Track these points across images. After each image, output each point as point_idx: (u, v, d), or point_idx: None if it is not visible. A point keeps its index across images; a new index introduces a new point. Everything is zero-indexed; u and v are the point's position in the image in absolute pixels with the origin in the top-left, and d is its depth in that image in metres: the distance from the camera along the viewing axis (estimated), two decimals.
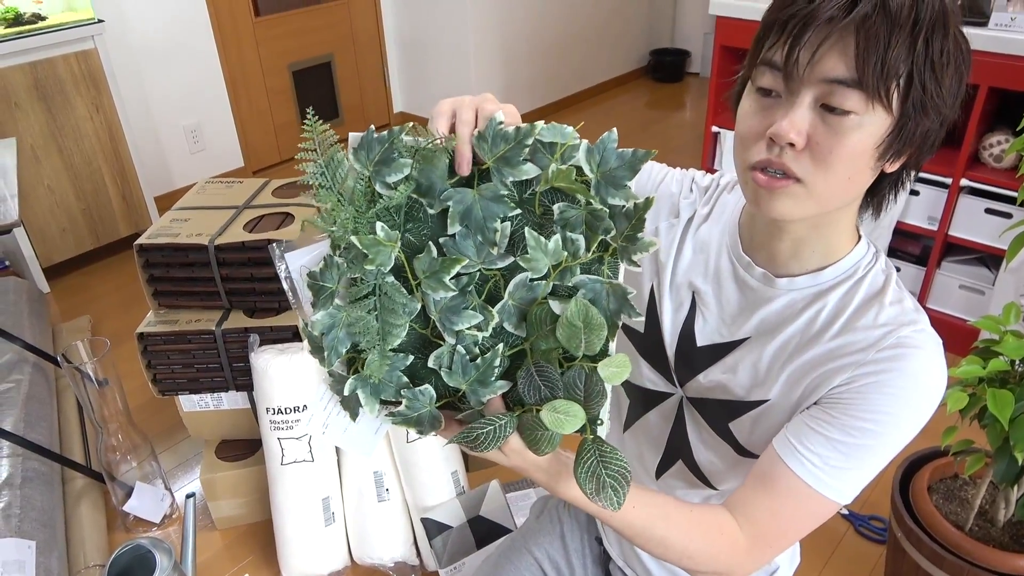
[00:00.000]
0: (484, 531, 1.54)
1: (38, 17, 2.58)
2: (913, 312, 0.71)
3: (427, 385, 0.64)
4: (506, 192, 0.62)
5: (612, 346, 0.63)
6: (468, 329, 0.62)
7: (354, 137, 0.64)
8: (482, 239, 0.62)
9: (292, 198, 1.71)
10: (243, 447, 1.72)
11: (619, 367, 0.60)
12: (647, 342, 0.87)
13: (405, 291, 0.63)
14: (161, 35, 3.06)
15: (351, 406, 0.66)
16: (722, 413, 0.81)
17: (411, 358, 0.65)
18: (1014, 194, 1.92)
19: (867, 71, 0.59)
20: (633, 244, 0.62)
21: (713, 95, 2.48)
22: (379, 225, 0.62)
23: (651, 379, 0.88)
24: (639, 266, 0.63)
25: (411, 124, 0.65)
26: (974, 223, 2.10)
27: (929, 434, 0.73)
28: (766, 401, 0.77)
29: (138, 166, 2.85)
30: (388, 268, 0.62)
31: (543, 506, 1.14)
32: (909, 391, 0.68)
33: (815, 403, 0.72)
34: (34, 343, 2.02)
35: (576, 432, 0.60)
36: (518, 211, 0.63)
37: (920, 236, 2.26)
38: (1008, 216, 2.03)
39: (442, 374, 0.63)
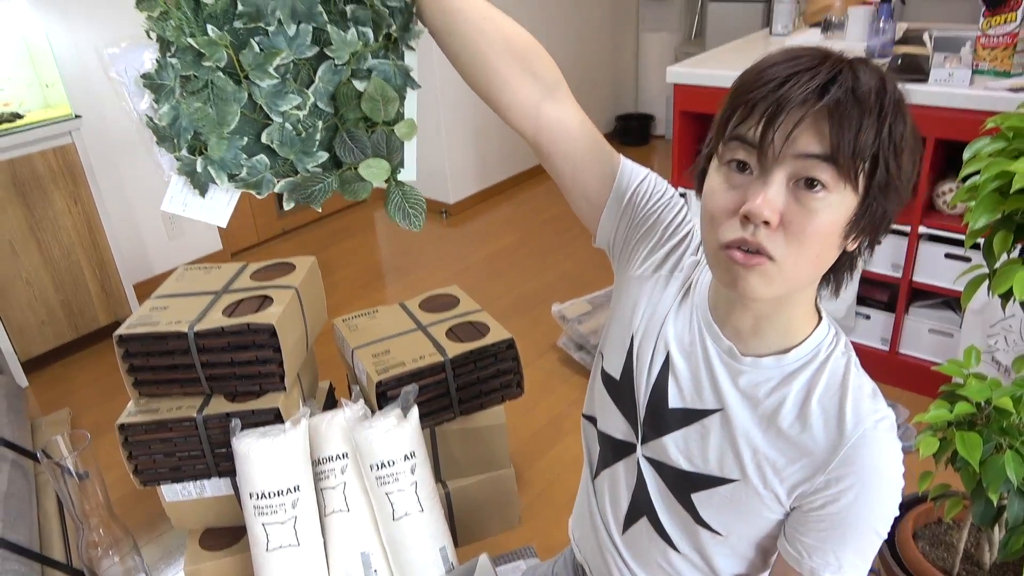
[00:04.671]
0: None
1: (15, 116, 2.64)
2: (870, 399, 0.74)
3: (261, 155, 0.80)
4: None
5: (407, 110, 0.82)
6: (291, 109, 0.77)
7: None
8: (315, 25, 0.75)
9: (270, 280, 1.73)
10: (228, 535, 1.70)
11: (408, 128, 0.82)
12: (621, 389, 0.89)
13: (233, 83, 0.76)
14: (138, 124, 3.12)
15: (201, 184, 0.81)
16: (685, 482, 0.83)
17: (246, 139, 0.79)
18: None
19: (841, 148, 0.63)
20: (408, 32, 0.80)
21: (676, 158, 2.58)
22: (209, 27, 0.74)
23: (620, 428, 0.90)
24: (414, 49, 0.80)
25: None
26: (936, 268, 2.17)
27: (908, 479, 0.77)
28: (734, 481, 0.78)
29: (116, 255, 2.88)
30: (222, 64, 0.75)
31: None
32: (885, 493, 0.73)
33: (813, 517, 0.76)
34: (12, 439, 2.00)
35: (384, 182, 0.83)
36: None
37: (887, 283, 2.32)
38: (967, 260, 2.10)
39: (275, 147, 0.79)
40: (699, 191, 0.75)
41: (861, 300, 2.37)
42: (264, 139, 0.79)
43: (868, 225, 0.68)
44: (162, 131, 0.79)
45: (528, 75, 0.82)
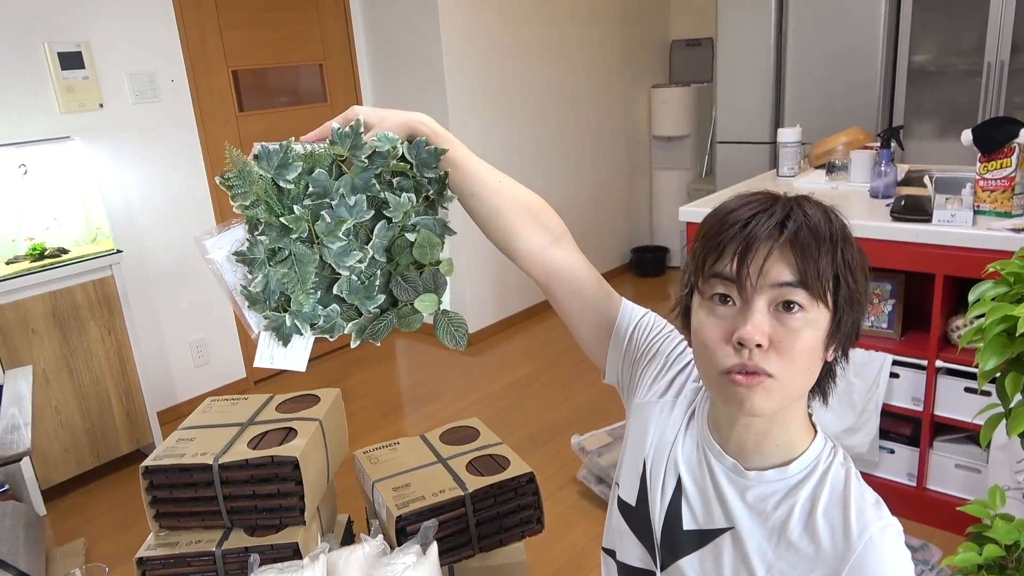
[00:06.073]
0: None
1: (62, 251, 2.79)
2: (873, 507, 0.77)
3: (333, 304, 0.96)
4: (366, 164, 0.93)
5: (443, 254, 0.99)
6: (355, 263, 0.93)
7: (256, 146, 0.92)
8: (370, 194, 0.93)
9: (295, 412, 1.77)
10: None
11: (449, 266, 1.00)
12: (637, 517, 0.91)
13: (308, 249, 0.93)
14: (174, 260, 3.28)
15: (285, 336, 0.95)
16: None
17: (319, 292, 0.95)
18: None
19: (808, 273, 0.72)
20: (442, 196, 0.98)
21: None
22: (295, 207, 0.91)
23: (638, 556, 0.91)
24: (446, 208, 0.99)
25: (293, 138, 0.93)
26: (956, 402, 2.16)
27: None
28: None
29: (144, 383, 2.94)
30: (305, 235, 0.92)
31: None
32: None
33: None
34: (28, 571, 1.98)
35: (432, 312, 0.98)
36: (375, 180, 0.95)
37: (909, 417, 2.30)
38: (988, 394, 2.09)
39: (344, 296, 0.95)
40: (685, 326, 0.84)
41: (884, 434, 2.34)
42: (335, 291, 0.95)
43: (842, 335, 0.77)
44: (254, 296, 0.94)
45: (536, 226, 0.98)
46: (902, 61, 3.44)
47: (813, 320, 0.74)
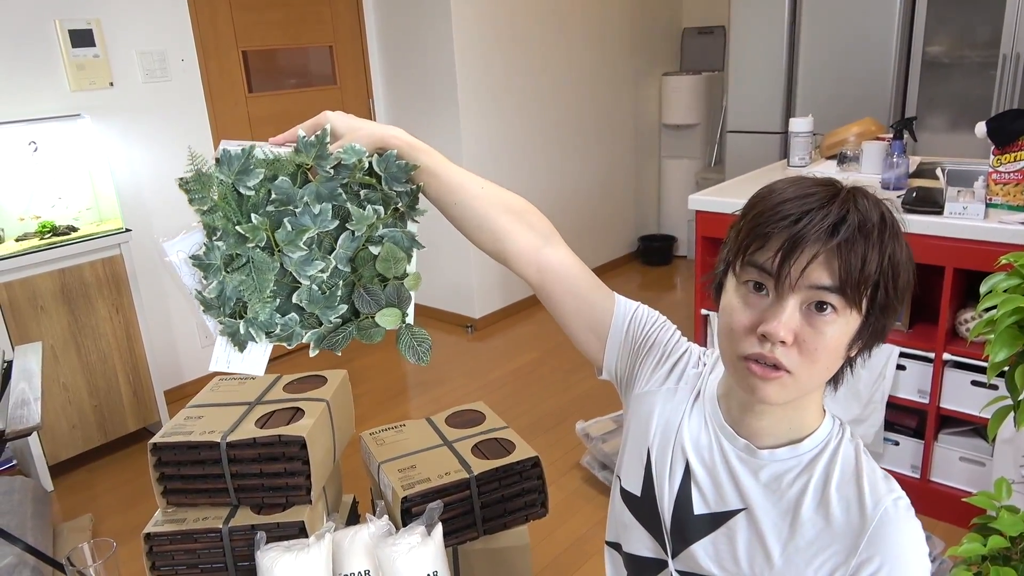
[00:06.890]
0: None
1: (71, 228, 2.80)
2: (884, 480, 0.79)
3: (292, 313, 0.93)
4: (331, 175, 0.90)
5: (410, 267, 0.95)
6: (316, 273, 0.90)
7: (220, 146, 0.91)
8: (336, 203, 0.90)
9: (303, 393, 1.78)
10: None
11: (415, 280, 0.96)
12: (643, 506, 0.91)
13: (268, 256, 0.90)
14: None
15: (241, 342, 0.93)
16: None
17: (278, 300, 0.92)
18: None
19: (848, 282, 0.71)
20: (413, 209, 0.95)
21: (699, 284, 2.65)
22: (253, 216, 0.89)
23: (647, 546, 0.91)
24: (417, 222, 0.96)
25: (256, 143, 0.91)
26: (963, 395, 2.16)
27: None
28: None
29: (151, 362, 2.95)
30: (263, 244, 0.89)
31: None
32: (914, 566, 0.75)
33: None
34: (35, 544, 2.00)
35: (394, 327, 0.96)
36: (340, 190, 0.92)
37: (915, 409, 2.30)
38: (995, 388, 2.09)
39: (304, 305, 0.92)
40: (716, 300, 0.83)
41: (889, 426, 2.34)
42: (295, 299, 0.92)
43: (869, 337, 0.77)
44: (209, 302, 0.92)
45: (525, 226, 0.95)
46: (916, 52, 3.41)
47: (842, 323, 0.73)
